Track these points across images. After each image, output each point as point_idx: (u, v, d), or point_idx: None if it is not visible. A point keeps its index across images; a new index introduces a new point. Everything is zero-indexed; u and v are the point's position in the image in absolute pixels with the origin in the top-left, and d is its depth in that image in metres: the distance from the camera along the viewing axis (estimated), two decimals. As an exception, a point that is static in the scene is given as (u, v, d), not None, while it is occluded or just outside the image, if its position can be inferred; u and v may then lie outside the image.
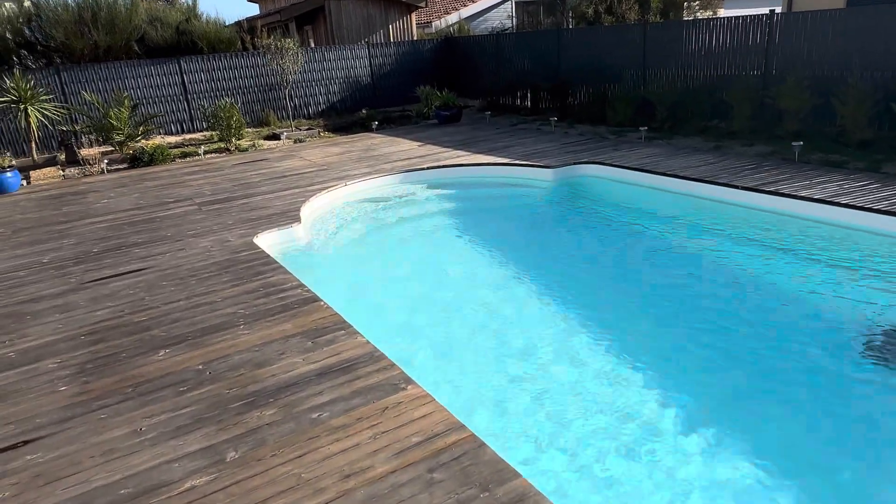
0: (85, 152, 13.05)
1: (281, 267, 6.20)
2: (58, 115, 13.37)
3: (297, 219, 7.96)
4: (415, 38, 20.52)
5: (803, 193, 7.35)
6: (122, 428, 3.69)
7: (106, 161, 12.70)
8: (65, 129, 13.77)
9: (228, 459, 3.32)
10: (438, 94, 16.15)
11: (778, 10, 11.48)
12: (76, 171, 12.51)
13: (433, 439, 3.33)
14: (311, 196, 9.10)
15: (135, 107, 13.89)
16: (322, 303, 5.24)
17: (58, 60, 15.03)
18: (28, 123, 12.64)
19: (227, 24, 18.00)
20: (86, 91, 14.13)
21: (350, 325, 4.77)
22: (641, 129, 11.71)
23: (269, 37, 16.00)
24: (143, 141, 13.77)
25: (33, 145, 13.15)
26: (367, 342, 4.48)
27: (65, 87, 14.14)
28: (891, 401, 4.53)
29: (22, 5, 15.17)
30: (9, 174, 11.13)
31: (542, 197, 9.74)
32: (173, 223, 8.20)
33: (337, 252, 7.98)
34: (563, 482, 3.85)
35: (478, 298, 6.58)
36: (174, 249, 7.05)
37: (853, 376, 4.83)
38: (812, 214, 7.16)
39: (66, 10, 14.72)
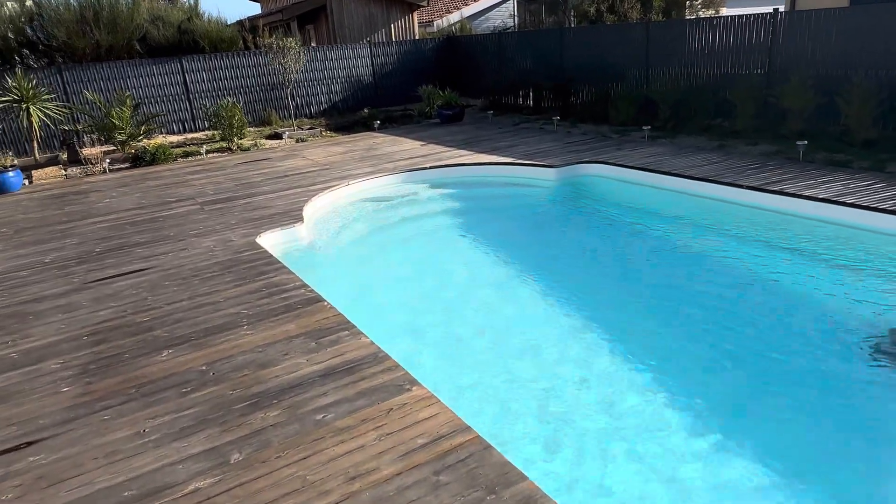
0: (87, 152, 13.04)
1: (284, 267, 6.18)
2: (60, 115, 13.35)
3: (300, 218, 7.93)
4: (417, 38, 20.49)
5: (808, 193, 7.31)
6: (126, 429, 3.67)
7: (108, 160, 12.69)
8: (67, 128, 13.76)
9: (232, 461, 3.30)
10: (441, 93, 16.12)
11: (781, 8, 11.43)
12: (78, 170, 12.50)
13: (439, 441, 3.31)
14: (314, 196, 9.07)
15: (137, 106, 13.87)
16: (325, 303, 5.22)
17: (60, 60, 15.02)
18: (30, 123, 12.62)
19: (228, 23, 17.97)
20: (88, 90, 14.11)
21: (354, 326, 4.74)
22: (644, 128, 11.68)
23: (270, 36, 15.97)
24: (145, 140, 13.75)
25: (35, 145, 13.13)
26: (371, 343, 4.46)
27: (67, 86, 14.12)
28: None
29: (24, 5, 15.16)
30: (11, 174, 11.11)
31: (545, 196, 9.71)
32: (176, 223, 8.19)
33: (339, 252, 7.96)
34: (565, 482, 3.83)
35: (481, 298, 6.56)
36: (177, 249, 7.03)
37: (857, 377, 4.80)
38: (817, 214, 7.12)
39: (67, 9, 14.70)
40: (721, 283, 6.47)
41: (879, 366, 4.84)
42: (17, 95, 12.35)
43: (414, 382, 3.90)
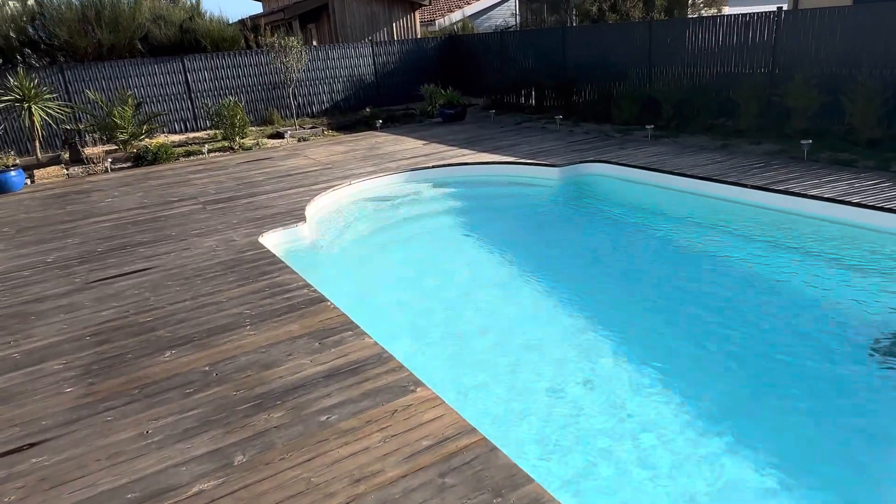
0: (89, 151, 13.03)
1: (287, 267, 6.15)
2: (61, 114, 13.33)
3: (302, 218, 7.91)
4: (418, 37, 20.45)
5: (813, 192, 7.27)
6: (129, 430, 3.64)
7: (110, 160, 12.68)
8: (69, 127, 13.75)
9: (236, 463, 3.27)
10: (442, 92, 16.09)
11: (785, 7, 11.38)
12: (80, 169, 12.49)
13: (444, 443, 3.28)
14: (316, 195, 9.05)
15: (138, 105, 13.85)
16: (329, 303, 5.19)
17: (61, 59, 15.01)
18: (32, 122, 12.60)
19: (230, 22, 17.95)
20: (89, 89, 14.10)
21: (357, 326, 4.72)
22: (648, 127, 11.64)
23: (272, 35, 15.94)
24: (146, 140, 13.73)
25: (37, 144, 13.12)
26: (375, 343, 4.43)
27: (68, 85, 14.11)
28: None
29: (26, 4, 15.15)
30: (13, 173, 11.10)
31: (548, 196, 9.68)
32: (178, 222, 8.16)
33: (342, 251, 7.94)
34: (569, 482, 3.80)
35: (484, 298, 6.53)
36: (179, 249, 7.01)
37: (864, 378, 4.77)
38: (822, 214, 7.09)
39: (69, 8, 14.69)
40: (725, 283, 6.44)
41: (889, 367, 4.81)
42: (19, 95, 12.34)
43: (418, 383, 3.88)
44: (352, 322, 4.81)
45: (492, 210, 9.52)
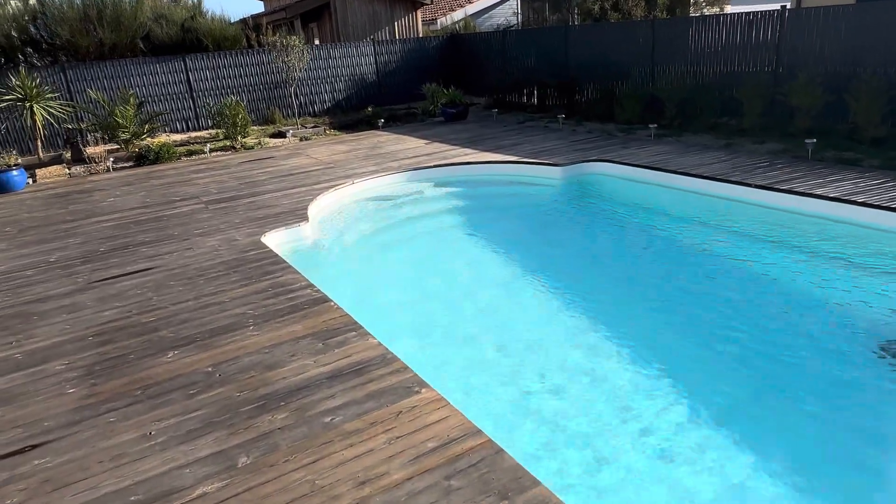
0: (90, 150, 13.01)
1: (290, 266, 6.12)
2: (63, 114, 13.31)
3: (305, 217, 7.88)
4: (420, 35, 20.42)
5: (818, 192, 7.23)
6: (132, 432, 3.62)
7: (112, 159, 12.66)
8: (70, 127, 13.74)
9: (240, 465, 3.25)
10: (445, 91, 16.05)
11: (788, 5, 11.35)
12: (82, 169, 12.47)
13: (449, 445, 3.26)
14: (319, 194, 9.02)
15: (140, 105, 13.83)
16: (332, 303, 5.16)
17: (63, 58, 15.00)
18: (34, 121, 12.59)
19: (232, 21, 17.93)
20: (91, 89, 14.08)
21: (361, 327, 4.69)
22: (651, 126, 11.60)
23: (274, 34, 15.92)
24: (148, 139, 13.71)
25: (39, 143, 13.11)
26: (379, 344, 4.41)
27: (70, 84, 14.09)
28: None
29: (27, 3, 15.12)
30: (15, 172, 11.09)
31: (551, 195, 9.65)
32: (180, 222, 8.14)
33: (345, 251, 7.91)
34: (572, 482, 3.78)
35: (488, 298, 6.50)
36: (181, 248, 6.98)
37: (871, 379, 4.74)
38: (827, 213, 7.05)
39: (71, 7, 14.67)
40: (729, 283, 6.40)
41: (889, 366, 4.77)
42: (21, 94, 12.32)
43: (423, 384, 3.85)
44: (355, 322, 4.78)
45: (495, 210, 9.49)
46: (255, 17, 21.07)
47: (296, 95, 16.48)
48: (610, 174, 9.74)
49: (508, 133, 13.08)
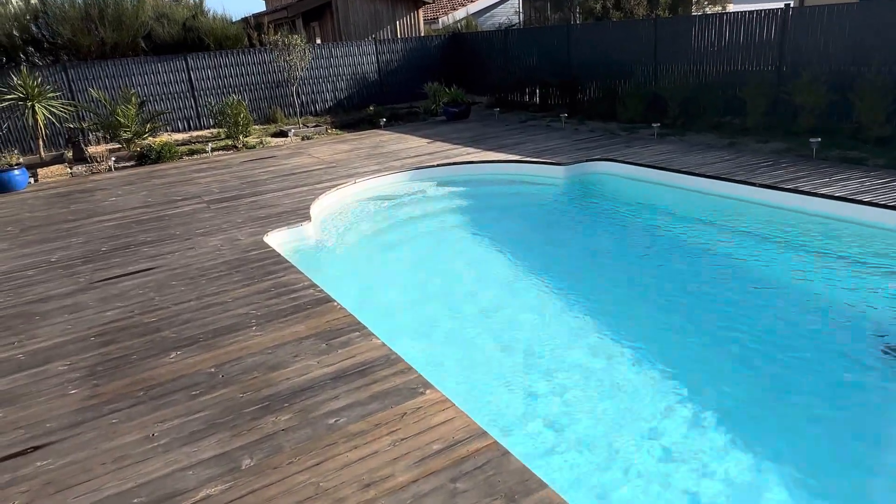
0: (92, 150, 12.99)
1: (292, 266, 6.10)
2: (65, 113, 13.30)
3: (307, 217, 7.85)
4: (422, 35, 20.38)
5: (823, 191, 7.19)
6: (134, 433, 3.59)
7: (113, 158, 12.64)
8: (72, 126, 13.72)
9: (244, 467, 3.22)
10: (447, 90, 16.02)
11: (792, 3, 11.28)
12: (84, 168, 12.45)
13: (455, 447, 3.23)
14: (321, 194, 8.99)
15: (142, 104, 13.81)
16: (335, 303, 5.13)
17: (65, 57, 14.99)
18: (35, 121, 12.58)
19: (233, 20, 17.92)
20: (93, 88, 14.06)
21: (365, 327, 4.66)
22: (654, 125, 11.55)
23: (275, 33, 15.90)
24: (150, 138, 13.70)
25: (41, 143, 13.10)
26: (383, 344, 4.38)
27: (72, 84, 14.08)
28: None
29: (29, 2, 15.11)
30: (16, 172, 11.07)
31: (554, 195, 9.61)
32: (182, 221, 8.12)
33: (348, 251, 7.88)
34: (574, 482, 3.75)
35: (491, 298, 6.47)
36: (183, 248, 6.96)
37: (872, 377, 4.70)
38: (833, 212, 7.00)
39: (72, 6, 14.66)
40: (734, 283, 6.37)
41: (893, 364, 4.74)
42: (23, 93, 12.31)
43: (427, 385, 3.82)
44: (359, 322, 4.75)
45: (497, 209, 9.45)
46: (257, 16, 21.06)
47: (297, 94, 16.45)
48: (613, 173, 9.70)
49: (511, 132, 13.04)
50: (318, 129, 15.16)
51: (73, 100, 13.96)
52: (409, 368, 4.03)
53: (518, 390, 4.79)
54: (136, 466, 3.30)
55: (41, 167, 12.38)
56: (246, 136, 14.07)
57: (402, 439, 3.32)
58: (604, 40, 14.10)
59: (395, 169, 10.27)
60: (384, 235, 8.50)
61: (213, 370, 4.22)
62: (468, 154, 10.95)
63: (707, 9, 20.87)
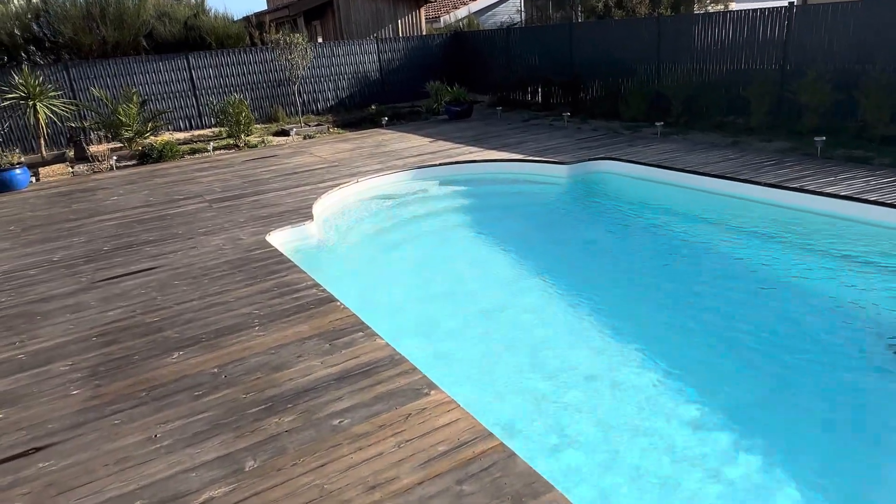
0: (94, 149, 12.97)
1: (295, 266, 6.06)
2: (66, 112, 13.29)
3: (310, 216, 7.82)
4: (424, 33, 20.34)
5: (829, 190, 7.15)
6: (137, 434, 3.56)
7: (115, 157, 12.62)
8: (73, 125, 13.70)
9: (247, 469, 3.19)
10: (448, 89, 15.97)
11: (795, 1, 11.24)
12: (85, 167, 12.43)
13: (460, 448, 3.19)
14: (323, 193, 8.96)
15: (143, 103, 13.79)
16: (338, 303, 5.10)
17: (66, 56, 14.96)
18: (37, 120, 12.56)
19: (235, 19, 17.89)
20: (94, 87, 14.04)
21: (368, 327, 4.63)
22: (657, 124, 11.51)
23: (277, 32, 15.86)
24: (151, 137, 13.67)
25: (42, 142, 13.08)
26: (387, 344, 4.34)
27: (73, 83, 14.06)
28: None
29: (30, 1, 15.08)
30: (18, 171, 11.05)
31: (557, 194, 9.57)
32: (184, 221, 8.09)
33: (350, 250, 7.86)
34: (577, 482, 3.72)
35: (495, 297, 6.44)
36: (186, 248, 6.93)
37: (878, 377, 4.67)
38: (838, 212, 6.96)
39: (74, 5, 14.63)
40: (738, 282, 6.33)
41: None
42: (24, 92, 12.29)
43: (432, 386, 3.79)
44: (362, 322, 4.72)
45: (500, 208, 9.42)
46: (259, 14, 21.02)
47: (299, 93, 16.42)
48: (617, 172, 9.65)
49: (513, 131, 13.00)
50: (319, 128, 15.13)
51: (75, 99, 13.93)
52: (414, 369, 4.00)
53: (521, 390, 4.76)
54: (139, 468, 3.27)
55: (43, 166, 12.36)
56: (248, 135, 14.04)
57: (407, 441, 3.29)
58: (606, 39, 14.05)
59: (398, 168, 10.24)
60: (387, 235, 8.47)
61: (215, 370, 4.19)
62: (471, 153, 10.92)
63: (709, 7, 20.82)
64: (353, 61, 17.21)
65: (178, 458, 3.32)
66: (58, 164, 12.55)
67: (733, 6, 19.98)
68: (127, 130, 13.00)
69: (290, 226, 7.46)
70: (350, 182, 9.58)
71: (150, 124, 13.68)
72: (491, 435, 3.29)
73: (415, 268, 7.46)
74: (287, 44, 14.85)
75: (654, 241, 7.75)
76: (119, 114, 12.82)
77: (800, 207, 7.31)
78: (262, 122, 16.06)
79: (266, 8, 25.31)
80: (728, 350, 5.17)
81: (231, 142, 13.92)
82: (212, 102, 15.09)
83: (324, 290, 5.38)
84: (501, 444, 3.21)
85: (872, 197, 6.77)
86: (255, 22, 18.32)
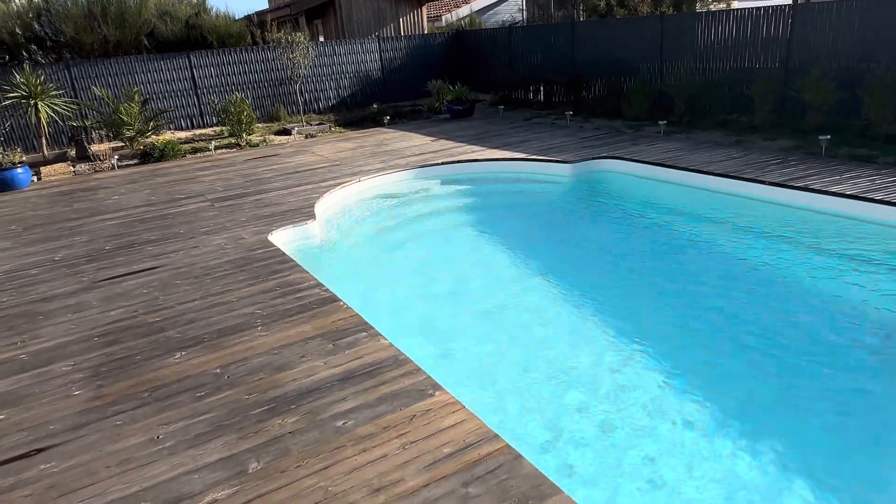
0: (95, 148, 12.95)
1: (297, 265, 6.03)
2: (68, 111, 13.26)
3: (312, 215, 7.79)
4: (425, 32, 20.30)
5: (834, 189, 7.11)
6: (139, 436, 3.53)
7: (116, 157, 12.59)
8: (75, 124, 13.68)
9: (251, 470, 3.16)
10: (450, 88, 15.93)
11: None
12: (87, 166, 12.41)
13: (466, 450, 3.16)
14: (325, 192, 8.93)
15: (145, 102, 13.76)
16: (341, 303, 5.07)
17: (67, 55, 14.93)
18: (38, 119, 12.54)
19: (236, 18, 17.85)
20: (96, 86, 14.02)
21: (372, 327, 4.59)
22: (660, 122, 11.47)
23: (278, 31, 15.83)
24: (153, 136, 13.65)
25: (43, 141, 13.05)
26: (391, 345, 4.31)
27: (75, 82, 14.03)
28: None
29: (31, 0, 15.06)
30: (19, 170, 11.03)
31: (560, 193, 9.54)
32: (186, 220, 8.06)
33: (353, 249, 7.82)
34: (579, 482, 3.69)
35: (498, 296, 6.40)
36: (188, 247, 6.90)
37: (881, 377, 4.63)
38: (844, 211, 6.92)
39: (75, 4, 14.60)
40: (742, 282, 6.29)
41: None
42: (25, 91, 12.27)
43: (437, 387, 3.75)
44: (365, 322, 4.69)
45: (503, 207, 9.38)
46: (260, 13, 20.97)
47: (301, 92, 16.38)
48: (620, 171, 9.61)
49: (515, 130, 12.96)
50: (321, 127, 15.09)
51: (76, 98, 13.91)
52: (418, 369, 3.96)
53: (524, 390, 4.72)
54: (141, 469, 3.24)
55: (44, 165, 12.33)
56: (249, 135, 14.01)
57: (412, 442, 3.26)
58: (608, 38, 14.01)
59: (400, 167, 10.20)
60: (389, 234, 8.44)
61: (218, 371, 4.16)
62: (473, 152, 10.88)
63: (711, 5, 20.76)
64: (355, 60, 17.17)
65: (180, 460, 3.29)
66: (59, 164, 12.52)
67: (735, 4, 19.94)
68: (128, 129, 12.98)
69: (292, 225, 7.43)
70: (352, 181, 9.55)
71: (151, 123, 13.65)
72: (497, 436, 3.26)
73: (418, 267, 7.42)
74: (289, 43, 14.82)
75: (657, 240, 7.71)
76: (120, 113, 12.80)
77: (805, 206, 7.27)
78: (264, 121, 16.03)
79: (267, 7, 25.28)
80: (734, 350, 5.13)
81: (233, 141, 13.89)
82: (213, 101, 15.06)
83: (326, 290, 5.35)
84: (507, 445, 3.18)
85: (877, 195, 6.73)
86: (257, 21, 18.27)
